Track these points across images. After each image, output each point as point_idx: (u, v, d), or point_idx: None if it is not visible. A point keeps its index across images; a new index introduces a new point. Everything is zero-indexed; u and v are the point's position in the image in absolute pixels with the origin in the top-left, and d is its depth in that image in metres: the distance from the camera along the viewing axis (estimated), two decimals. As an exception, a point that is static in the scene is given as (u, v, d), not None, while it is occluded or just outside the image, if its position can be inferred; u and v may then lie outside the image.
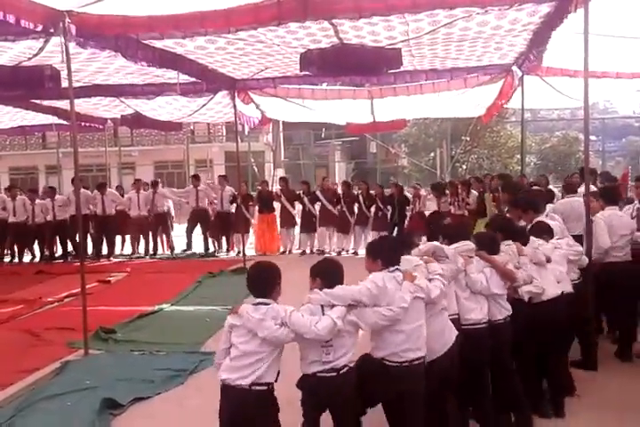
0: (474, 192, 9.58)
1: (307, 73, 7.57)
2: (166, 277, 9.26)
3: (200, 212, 11.72)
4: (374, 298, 2.91)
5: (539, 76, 8.79)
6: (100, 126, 12.26)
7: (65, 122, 11.14)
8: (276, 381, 2.84)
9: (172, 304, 7.28)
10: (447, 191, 10.18)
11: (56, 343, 5.62)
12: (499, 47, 7.51)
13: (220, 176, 12.49)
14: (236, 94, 9.66)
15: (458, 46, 7.36)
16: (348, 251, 11.19)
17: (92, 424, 3.79)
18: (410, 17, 5.74)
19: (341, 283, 2.95)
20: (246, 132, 14.67)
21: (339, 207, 11.10)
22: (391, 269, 3.03)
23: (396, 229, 10.63)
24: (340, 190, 11.77)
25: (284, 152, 28.93)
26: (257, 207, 11.60)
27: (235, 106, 9.85)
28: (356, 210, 11.18)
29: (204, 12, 5.36)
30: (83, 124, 11.15)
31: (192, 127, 26.25)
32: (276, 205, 11.60)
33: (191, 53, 7.25)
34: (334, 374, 2.85)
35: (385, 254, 3.09)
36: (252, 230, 12.03)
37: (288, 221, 11.39)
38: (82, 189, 10.01)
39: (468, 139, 22.00)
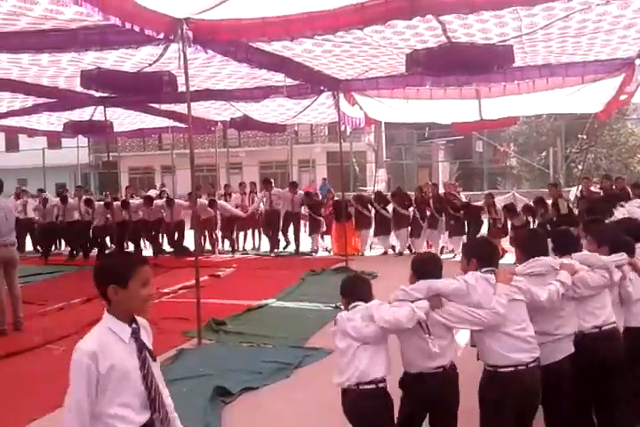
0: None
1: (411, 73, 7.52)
2: (271, 273, 9.59)
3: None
4: (459, 293, 2.81)
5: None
6: (212, 129, 12.91)
7: (180, 124, 11.85)
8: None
9: (277, 300, 7.52)
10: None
11: (172, 332, 5.97)
12: (621, 40, 7.02)
13: (290, 183, 12.78)
14: (340, 95, 9.77)
15: (575, 41, 6.98)
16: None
17: (205, 410, 4.00)
18: (523, 11, 5.53)
19: (438, 277, 2.89)
20: (348, 133, 14.79)
21: (411, 210, 11.16)
22: (484, 269, 2.92)
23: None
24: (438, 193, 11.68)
25: (386, 152, 28.84)
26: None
27: (338, 107, 9.97)
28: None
29: (312, 12, 5.47)
30: (195, 126, 11.78)
31: (296, 128, 26.88)
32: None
33: (298, 56, 7.44)
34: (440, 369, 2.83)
35: (478, 254, 3.00)
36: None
37: (363, 223, 11.44)
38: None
39: (585, 137, 20.65)
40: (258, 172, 28.96)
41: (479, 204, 10.98)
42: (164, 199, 12.64)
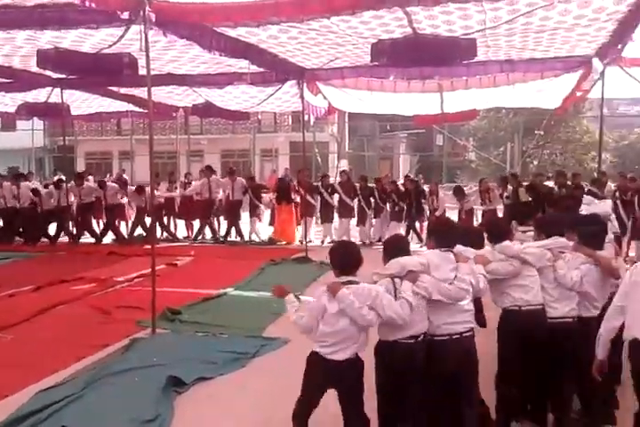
0: (509, 187, 10.22)
1: (376, 64, 7.52)
2: (230, 262, 9.47)
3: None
4: (426, 268, 3.17)
5: (620, 66, 8.32)
6: (173, 114, 12.64)
7: (140, 109, 11.56)
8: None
9: (235, 289, 7.44)
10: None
11: (126, 321, 5.86)
12: (580, 37, 7.17)
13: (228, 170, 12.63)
14: (304, 84, 9.70)
15: (536, 37, 7.09)
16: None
17: (157, 400, 3.93)
18: (488, 5, 5.57)
19: (356, 266, 3.13)
20: (312, 123, 14.73)
21: (356, 200, 11.39)
22: (443, 249, 3.30)
23: (416, 222, 11.13)
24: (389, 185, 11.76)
25: (348, 143, 28.87)
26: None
27: (302, 96, 9.89)
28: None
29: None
30: (156, 111, 11.51)
31: (259, 117, 26.56)
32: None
33: (263, 43, 7.33)
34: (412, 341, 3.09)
35: (436, 235, 3.44)
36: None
37: (308, 211, 11.42)
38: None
39: (542, 133, 21.14)
40: (219, 160, 28.57)
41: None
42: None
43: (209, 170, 12.21)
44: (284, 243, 11.58)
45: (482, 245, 3.79)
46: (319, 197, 11.58)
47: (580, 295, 3.57)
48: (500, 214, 10.43)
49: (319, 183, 11.84)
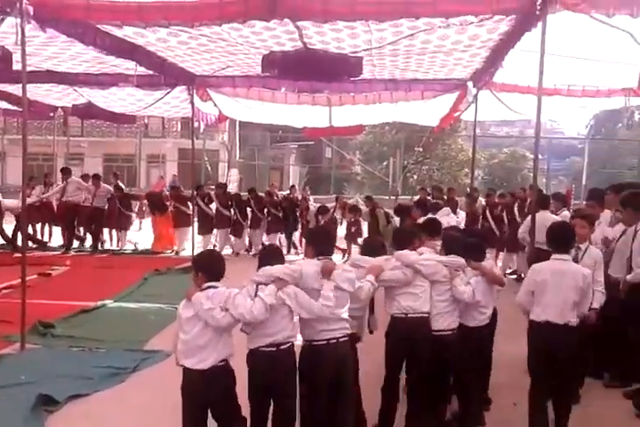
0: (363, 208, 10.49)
1: (267, 75, 7.59)
2: (110, 272, 9.03)
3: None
4: (295, 279, 3.18)
5: (491, 91, 9.04)
6: (51, 114, 11.86)
7: (13, 107, 10.72)
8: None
9: (115, 301, 7.10)
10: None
11: (-10, 336, 5.38)
12: (457, 62, 7.72)
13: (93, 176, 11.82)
14: (194, 90, 9.54)
15: (418, 59, 7.52)
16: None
17: (26, 421, 3.65)
18: (374, 26, 5.82)
19: (221, 274, 3.18)
20: (202, 130, 14.51)
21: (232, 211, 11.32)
22: (320, 257, 3.34)
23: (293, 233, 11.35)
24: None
25: (239, 152, 28.69)
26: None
27: (192, 102, 9.72)
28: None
29: (170, 2, 5.28)
30: (32, 110, 10.73)
31: (146, 121, 25.73)
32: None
33: (151, 45, 7.11)
34: (274, 349, 3.09)
35: (314, 243, 3.45)
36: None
37: (182, 221, 11.24)
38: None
39: (421, 150, 22.42)
40: (101, 164, 27.20)
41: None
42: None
43: (68, 172, 11.35)
44: (169, 252, 11.28)
45: (384, 253, 3.91)
46: (196, 208, 11.13)
47: (470, 306, 3.81)
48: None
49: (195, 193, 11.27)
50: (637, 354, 4.46)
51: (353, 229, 10.73)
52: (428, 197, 10.99)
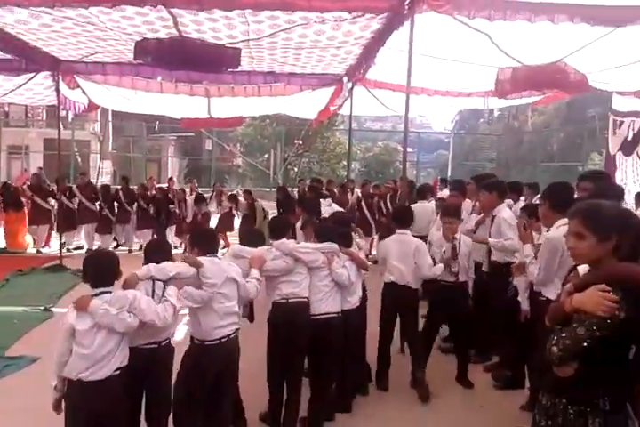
0: (242, 200, 10.46)
1: (141, 62, 7.30)
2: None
3: None
4: (184, 275, 3.17)
5: (365, 87, 9.38)
6: None
7: None
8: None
9: (-28, 304, 6.50)
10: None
11: None
12: (333, 57, 7.91)
13: None
14: (59, 77, 8.91)
15: (295, 53, 7.61)
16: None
17: None
18: (251, 17, 5.80)
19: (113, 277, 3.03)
20: (70, 119, 13.61)
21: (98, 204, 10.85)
22: (209, 255, 3.35)
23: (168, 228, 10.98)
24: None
25: (112, 143, 27.23)
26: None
27: (58, 89, 9.08)
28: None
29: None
30: None
31: (6, 109, 23.55)
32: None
33: (10, 27, 6.56)
34: (155, 346, 3.11)
35: (199, 246, 3.42)
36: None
37: (40, 217, 10.62)
38: None
39: (301, 142, 22.73)
40: (-48, 155, 24.59)
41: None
42: None
43: None
44: (20, 251, 10.39)
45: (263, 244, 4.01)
46: (58, 202, 10.27)
47: (344, 289, 4.03)
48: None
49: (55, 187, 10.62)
50: (494, 332, 4.92)
51: (225, 221, 10.79)
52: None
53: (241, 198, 10.49)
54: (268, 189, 20.54)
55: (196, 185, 12.60)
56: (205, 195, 11.32)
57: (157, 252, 3.27)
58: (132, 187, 11.34)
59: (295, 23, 6.06)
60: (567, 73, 6.28)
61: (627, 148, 9.33)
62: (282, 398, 3.76)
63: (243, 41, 6.79)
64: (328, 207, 6.93)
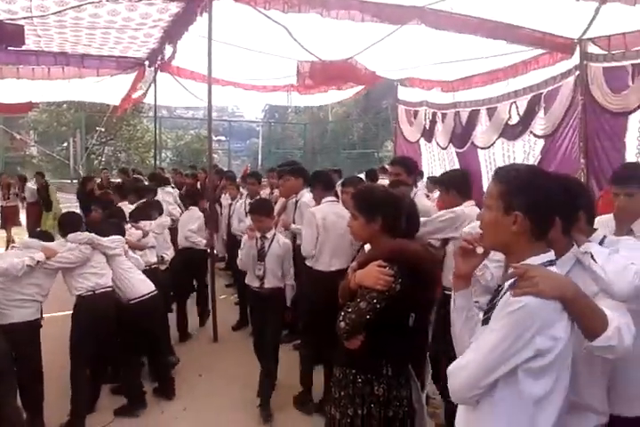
0: (30, 185, 10.63)
1: None
2: None
3: None
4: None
5: (171, 74, 9.04)
6: None
7: None
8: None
9: None
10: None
11: None
12: (132, 40, 7.51)
13: None
14: None
15: (89, 33, 7.07)
16: None
17: None
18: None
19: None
20: None
21: None
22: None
23: None
24: None
25: None
26: None
27: None
28: None
29: None
30: None
31: None
32: None
33: None
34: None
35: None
36: None
37: None
38: None
39: (104, 130, 21.28)
40: None
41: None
42: None
43: None
44: None
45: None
46: None
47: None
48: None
49: None
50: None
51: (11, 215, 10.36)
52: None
53: (29, 184, 9.70)
54: (68, 181, 18.95)
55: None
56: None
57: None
58: None
59: (85, 1, 5.62)
60: (359, 69, 6.76)
61: (427, 135, 10.01)
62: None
63: (25, 17, 6.12)
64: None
